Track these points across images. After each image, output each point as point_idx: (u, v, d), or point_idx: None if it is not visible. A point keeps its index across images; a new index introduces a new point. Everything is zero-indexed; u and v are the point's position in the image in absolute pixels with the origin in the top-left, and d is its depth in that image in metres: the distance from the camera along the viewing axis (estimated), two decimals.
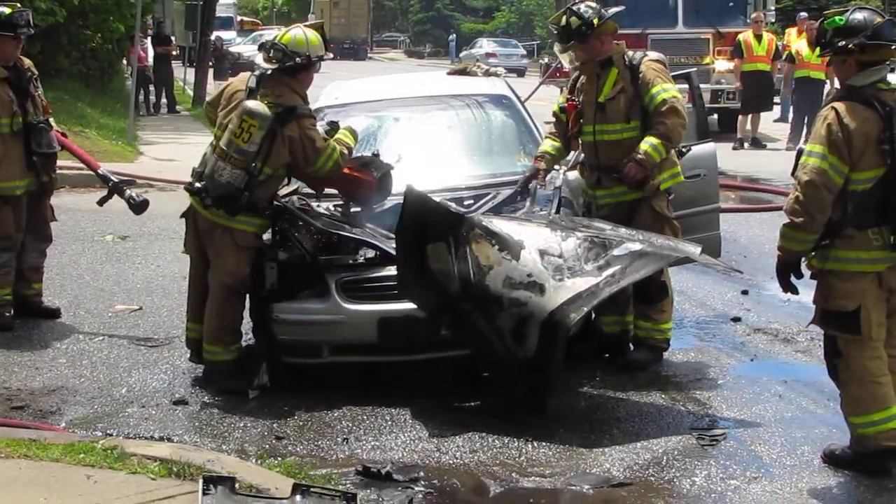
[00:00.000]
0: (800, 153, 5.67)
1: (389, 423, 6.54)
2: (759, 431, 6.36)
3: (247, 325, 7.36)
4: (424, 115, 8.54)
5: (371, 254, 6.95)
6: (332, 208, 7.41)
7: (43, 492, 5.17)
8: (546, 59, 37.01)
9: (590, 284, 6.32)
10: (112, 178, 8.70)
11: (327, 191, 7.42)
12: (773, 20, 23.07)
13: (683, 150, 7.78)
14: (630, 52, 7.36)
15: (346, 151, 7.09)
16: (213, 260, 7.09)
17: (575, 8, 7.35)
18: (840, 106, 5.53)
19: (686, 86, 8.56)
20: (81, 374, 7.46)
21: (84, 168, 9.37)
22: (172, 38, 30.53)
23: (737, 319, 8.66)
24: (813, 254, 5.68)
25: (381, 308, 6.86)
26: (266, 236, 7.11)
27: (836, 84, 5.99)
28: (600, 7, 7.41)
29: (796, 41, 19.82)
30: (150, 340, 8.20)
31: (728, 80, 20.69)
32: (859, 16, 5.60)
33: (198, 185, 6.99)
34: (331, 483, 5.60)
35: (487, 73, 9.38)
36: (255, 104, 6.85)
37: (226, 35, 42.15)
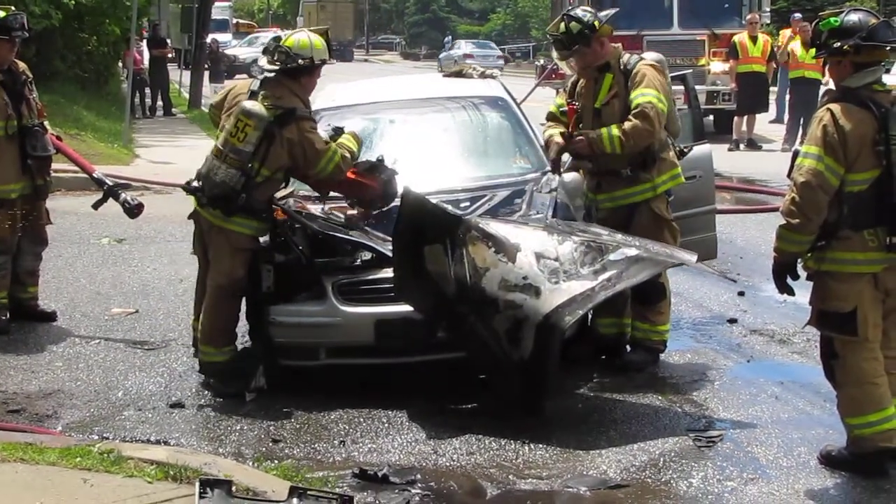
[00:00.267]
0: (795, 154, 5.68)
1: (386, 425, 6.54)
2: (756, 433, 6.36)
3: (243, 327, 7.36)
4: (421, 117, 8.55)
5: (368, 256, 6.95)
6: (329, 210, 7.41)
7: (39, 496, 5.16)
8: (542, 61, 37.06)
9: (585, 288, 6.33)
10: (107, 181, 8.70)
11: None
12: (769, 21, 23.09)
13: (685, 150, 7.80)
14: (626, 56, 7.37)
15: (347, 155, 7.08)
16: (210, 260, 7.11)
17: (572, 13, 7.36)
18: (835, 107, 5.53)
19: (681, 87, 8.57)
20: (78, 378, 7.46)
21: (80, 171, 9.37)
22: (168, 41, 30.56)
23: (733, 321, 8.67)
24: (809, 255, 5.68)
25: (377, 310, 6.85)
26: (264, 238, 7.11)
27: (832, 85, 5.98)
28: (595, 11, 7.43)
29: (791, 42, 19.83)
30: (146, 343, 8.20)
31: (723, 81, 20.73)
32: (854, 17, 5.61)
33: (195, 184, 7.02)
34: (327, 486, 5.60)
35: (483, 75, 9.38)
36: (251, 104, 6.88)
37: (222, 38, 42.10)
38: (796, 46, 19.24)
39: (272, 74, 7.05)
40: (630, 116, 7.10)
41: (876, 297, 5.63)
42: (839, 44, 5.57)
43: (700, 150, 8.13)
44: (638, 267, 6.45)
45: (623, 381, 7.24)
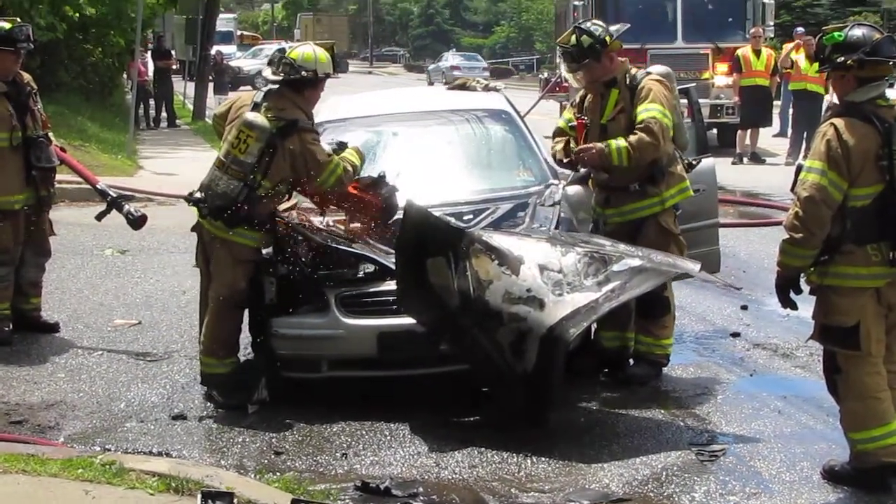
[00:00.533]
0: (799, 169, 5.68)
1: (388, 438, 6.53)
2: (759, 447, 6.35)
3: (246, 339, 7.36)
4: (424, 129, 8.55)
5: (370, 268, 6.95)
6: (332, 223, 7.41)
7: None
8: (545, 74, 37.08)
9: (589, 300, 6.32)
10: (111, 192, 8.70)
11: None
12: (772, 35, 23.14)
13: (693, 162, 7.81)
14: (633, 70, 7.38)
15: (350, 169, 7.09)
16: (212, 272, 7.11)
17: (584, 27, 7.36)
18: (839, 122, 5.53)
19: (685, 101, 8.58)
20: (80, 389, 7.45)
21: (83, 182, 9.38)
22: (173, 53, 30.64)
23: (736, 335, 8.66)
24: (812, 269, 5.67)
25: (380, 323, 6.85)
26: (266, 250, 7.11)
27: (835, 99, 5.98)
28: (606, 25, 7.43)
29: (794, 55, 19.85)
30: (148, 355, 8.20)
31: (727, 94, 20.76)
32: (858, 32, 5.61)
33: (197, 195, 7.03)
34: (329, 498, 5.60)
35: (487, 88, 9.39)
36: (253, 115, 6.90)
37: (226, 49, 42.24)
38: (800, 59, 19.26)
39: (276, 86, 7.07)
40: (635, 130, 7.11)
41: (879, 312, 5.62)
42: (843, 58, 5.57)
43: (703, 163, 8.13)
44: (642, 277, 6.44)
45: (626, 394, 7.24)
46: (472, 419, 6.86)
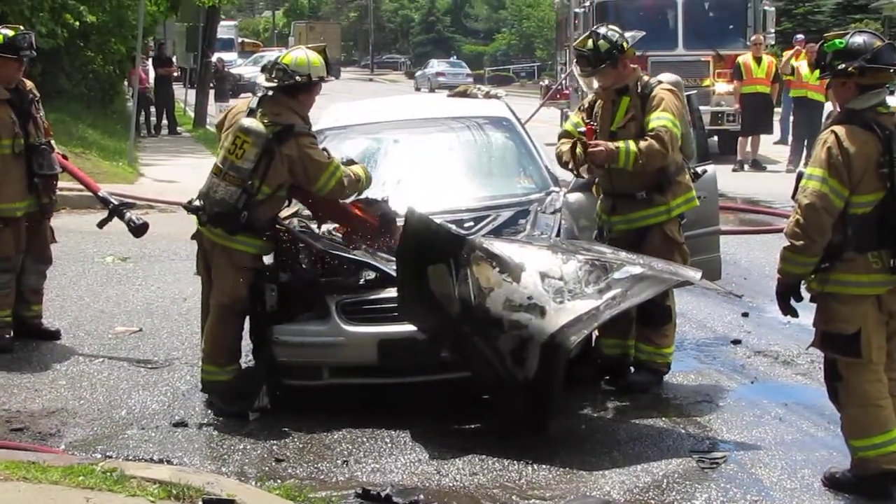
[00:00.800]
0: (800, 176, 5.68)
1: (389, 445, 6.53)
2: (760, 454, 6.35)
3: (247, 346, 7.36)
4: (425, 137, 8.55)
5: (371, 275, 6.95)
6: (333, 231, 7.41)
7: None
8: (546, 81, 37.12)
9: (590, 307, 6.32)
10: (112, 200, 8.70)
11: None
12: (773, 43, 23.16)
13: (699, 171, 7.80)
14: (645, 78, 7.37)
15: (352, 177, 7.07)
16: (213, 279, 7.11)
17: (601, 32, 7.33)
18: (840, 129, 5.53)
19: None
20: (81, 396, 7.45)
21: (84, 189, 9.38)
22: (174, 60, 30.65)
23: (737, 342, 8.66)
24: (813, 277, 5.67)
25: (381, 330, 6.85)
26: (267, 257, 7.12)
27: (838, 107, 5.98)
28: (622, 32, 7.42)
29: (795, 61, 19.84)
30: (149, 362, 8.20)
31: (728, 102, 20.78)
32: (859, 39, 5.61)
33: (196, 203, 7.03)
34: None
35: (488, 96, 9.40)
36: (249, 121, 6.90)
37: (227, 56, 42.29)
38: (802, 66, 19.25)
39: (270, 92, 7.07)
40: (645, 136, 7.11)
41: (880, 320, 5.62)
42: (844, 65, 5.58)
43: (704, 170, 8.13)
44: (643, 285, 6.45)
45: (627, 401, 7.24)
46: (472, 426, 6.85)
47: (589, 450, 6.44)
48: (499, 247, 6.64)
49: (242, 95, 30.83)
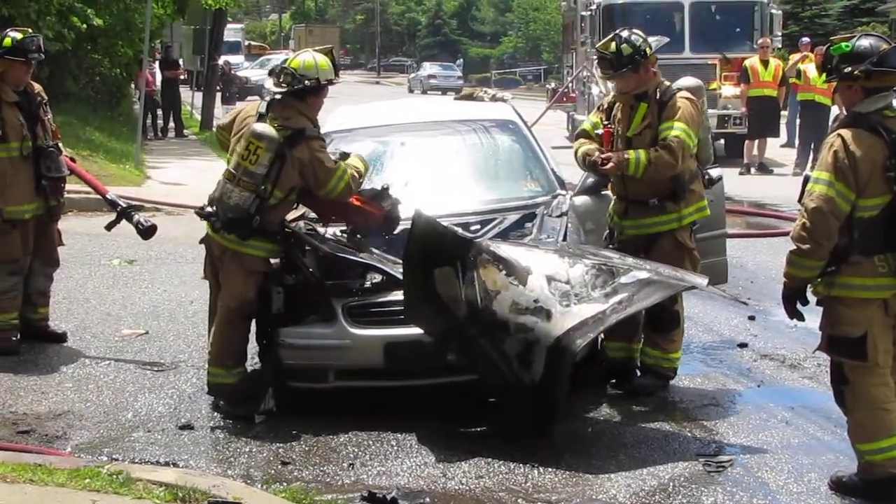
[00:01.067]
0: (806, 180, 5.68)
1: (395, 448, 6.53)
2: (766, 458, 6.34)
3: (253, 349, 7.36)
4: (431, 140, 8.55)
5: (378, 278, 6.96)
6: (339, 233, 7.41)
7: None
8: (552, 84, 37.12)
9: (596, 311, 6.32)
10: (120, 202, 8.71)
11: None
12: (780, 46, 23.14)
13: (715, 178, 7.78)
14: (665, 84, 7.34)
15: (357, 175, 7.11)
16: (222, 283, 7.12)
17: (625, 36, 7.30)
18: (846, 133, 5.53)
19: None
20: (87, 399, 7.46)
21: (91, 192, 9.41)
22: (180, 63, 30.68)
23: (743, 345, 8.65)
24: (819, 280, 5.67)
25: (387, 333, 6.85)
26: (274, 260, 7.12)
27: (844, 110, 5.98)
28: (646, 37, 7.40)
29: (802, 64, 19.80)
30: (156, 365, 8.20)
31: (735, 105, 20.76)
32: (865, 42, 5.61)
33: (209, 209, 7.03)
34: None
35: (494, 99, 9.40)
36: (262, 126, 6.90)
37: (234, 59, 42.33)
38: (810, 69, 19.22)
39: (279, 96, 7.08)
40: (657, 146, 7.10)
41: (886, 323, 5.61)
42: (850, 69, 5.57)
43: (711, 174, 8.12)
44: (649, 290, 6.44)
45: (633, 405, 7.23)
46: (479, 430, 6.85)
47: (595, 453, 6.43)
48: (505, 250, 6.65)
49: (249, 98, 30.90)
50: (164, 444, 6.65)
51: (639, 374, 7.57)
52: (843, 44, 5.65)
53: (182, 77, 31.30)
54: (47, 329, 8.79)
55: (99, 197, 9.08)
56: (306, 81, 7.00)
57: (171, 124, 28.72)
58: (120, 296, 10.42)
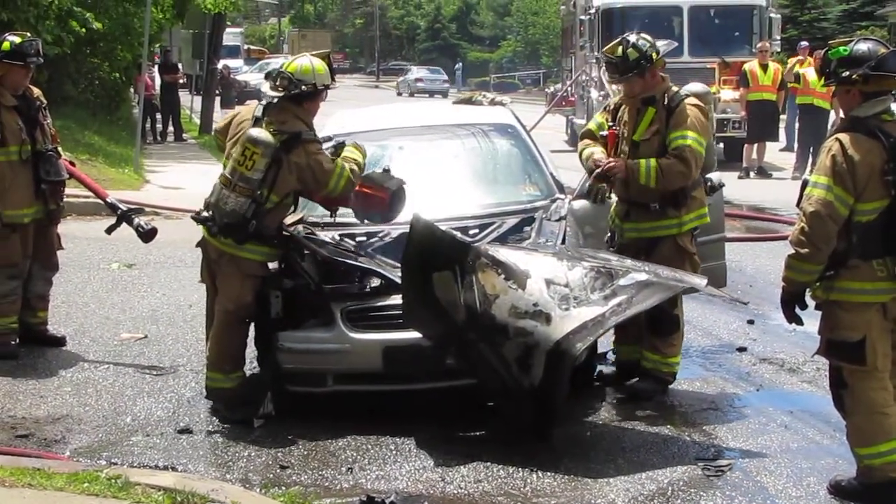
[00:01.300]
0: (805, 184, 5.68)
1: (394, 452, 6.53)
2: (765, 462, 6.34)
3: (252, 353, 7.36)
4: (430, 143, 8.56)
5: (377, 282, 6.95)
6: (338, 237, 7.42)
7: None
8: (551, 88, 37.16)
9: (596, 314, 6.32)
10: (120, 206, 8.72)
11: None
12: (779, 50, 23.17)
13: (717, 185, 7.78)
14: (673, 90, 7.32)
15: (355, 168, 7.10)
16: (218, 287, 7.12)
17: (632, 40, 7.28)
18: (844, 137, 5.53)
19: None
20: (86, 403, 7.46)
21: (90, 196, 9.41)
22: (180, 67, 30.69)
23: (742, 349, 8.65)
24: (818, 284, 5.67)
25: (386, 337, 6.86)
26: (272, 264, 7.12)
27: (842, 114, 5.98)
28: (654, 41, 7.39)
29: (801, 68, 19.81)
30: (155, 369, 8.20)
31: (734, 109, 20.77)
32: (864, 46, 5.61)
33: (205, 214, 7.03)
34: None
35: (493, 103, 9.40)
36: (257, 131, 6.89)
37: (233, 63, 42.42)
38: (809, 73, 19.22)
39: (275, 100, 7.07)
40: (668, 154, 7.09)
41: (885, 327, 5.61)
42: (848, 73, 5.57)
43: (710, 178, 8.12)
44: (648, 291, 6.44)
45: (632, 409, 7.23)
46: (477, 434, 6.85)
47: (594, 457, 6.43)
48: (504, 254, 6.65)
49: (248, 102, 30.93)
50: (163, 448, 6.65)
51: (637, 378, 7.57)
52: (842, 48, 5.65)
53: (181, 81, 31.32)
54: (46, 333, 8.79)
55: (98, 201, 9.08)
56: (303, 86, 6.99)
57: (171, 128, 28.73)
58: (119, 300, 10.43)
